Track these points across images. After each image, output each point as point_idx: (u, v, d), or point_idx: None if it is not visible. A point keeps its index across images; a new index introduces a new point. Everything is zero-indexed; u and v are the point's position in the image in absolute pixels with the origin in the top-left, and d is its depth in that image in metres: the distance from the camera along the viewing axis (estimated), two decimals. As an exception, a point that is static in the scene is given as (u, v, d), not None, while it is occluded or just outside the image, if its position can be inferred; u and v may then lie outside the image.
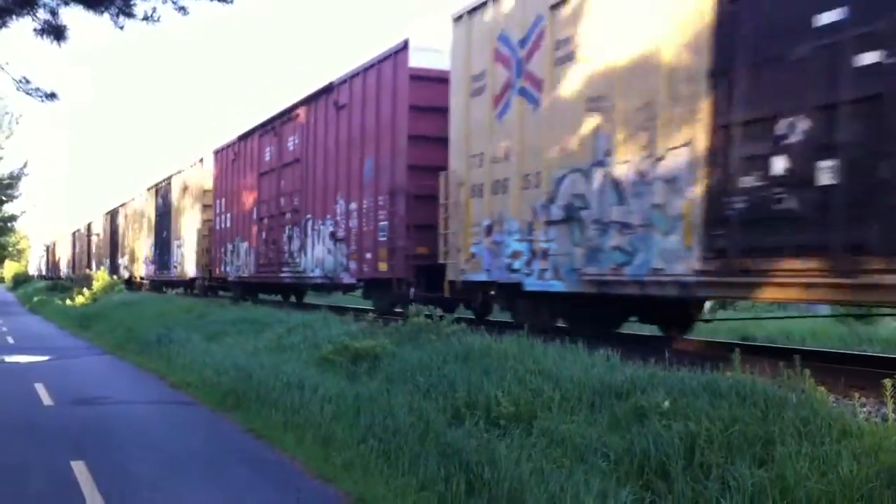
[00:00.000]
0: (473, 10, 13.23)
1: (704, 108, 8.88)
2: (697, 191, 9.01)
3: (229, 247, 26.61)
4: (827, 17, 7.64)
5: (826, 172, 7.64)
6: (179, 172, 33.28)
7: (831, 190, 7.59)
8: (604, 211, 10.45)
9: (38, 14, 12.40)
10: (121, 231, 46.71)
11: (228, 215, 26.66)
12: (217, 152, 27.95)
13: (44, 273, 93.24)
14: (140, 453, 8.69)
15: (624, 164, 10.08)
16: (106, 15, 12.40)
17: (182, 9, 12.43)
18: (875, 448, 5.37)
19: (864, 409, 6.29)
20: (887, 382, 5.91)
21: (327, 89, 18.88)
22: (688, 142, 9.11)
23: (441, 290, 13.98)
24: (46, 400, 12.21)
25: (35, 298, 48.91)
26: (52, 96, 13.98)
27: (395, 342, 11.33)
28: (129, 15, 12.43)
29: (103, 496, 7.05)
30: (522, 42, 12.02)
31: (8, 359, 18.12)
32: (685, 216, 9.17)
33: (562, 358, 8.82)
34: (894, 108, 7.06)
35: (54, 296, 46.66)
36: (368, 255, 16.71)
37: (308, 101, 20.11)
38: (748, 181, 8.37)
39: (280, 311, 18.32)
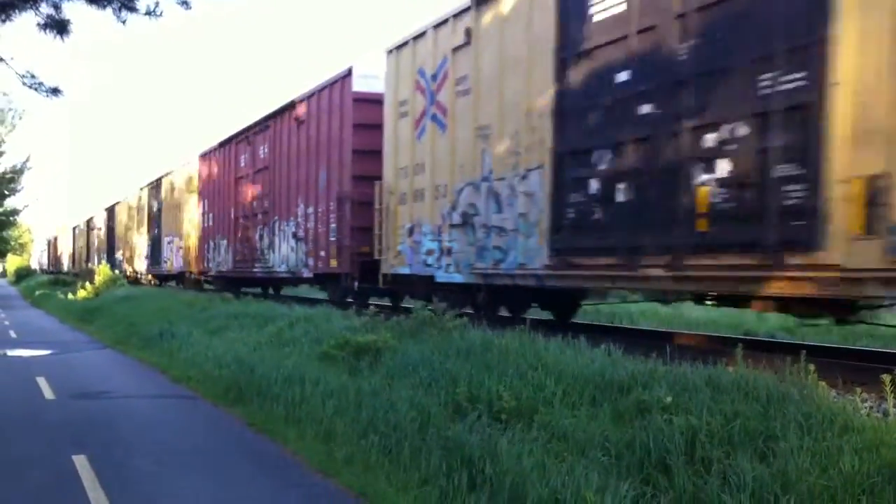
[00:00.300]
0: (400, 47, 15.54)
1: (549, 139, 11.29)
2: (546, 203, 11.38)
3: (211, 244, 28.50)
4: (619, 78, 10.09)
5: (621, 192, 10.08)
6: (169, 173, 35.07)
7: (623, 205, 10.05)
8: (488, 217, 12.80)
9: (41, 8, 12.39)
10: (118, 227, 48.19)
11: (211, 215, 28.55)
12: (202, 156, 29.82)
13: (45, 267, 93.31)
14: (141, 447, 8.70)
15: (501, 181, 12.45)
16: (109, 9, 12.39)
17: (184, 2, 12.41)
18: (876, 443, 5.36)
19: (866, 405, 6.29)
20: (886, 378, 5.92)
21: (290, 106, 21.13)
22: (540, 165, 11.49)
23: (378, 282, 16.29)
24: (48, 394, 12.23)
25: (37, 292, 48.92)
26: (55, 91, 13.96)
27: (396, 337, 11.33)
28: (132, 9, 12.41)
29: (105, 490, 7.06)
30: (434, 76, 14.40)
31: (10, 352, 18.16)
32: (539, 223, 11.53)
33: (563, 353, 8.82)
34: (659, 146, 9.51)
35: (56, 290, 46.68)
36: (322, 253, 18.99)
37: (275, 115, 22.37)
38: (575, 197, 10.84)
39: (282, 306, 18.32)
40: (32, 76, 13.63)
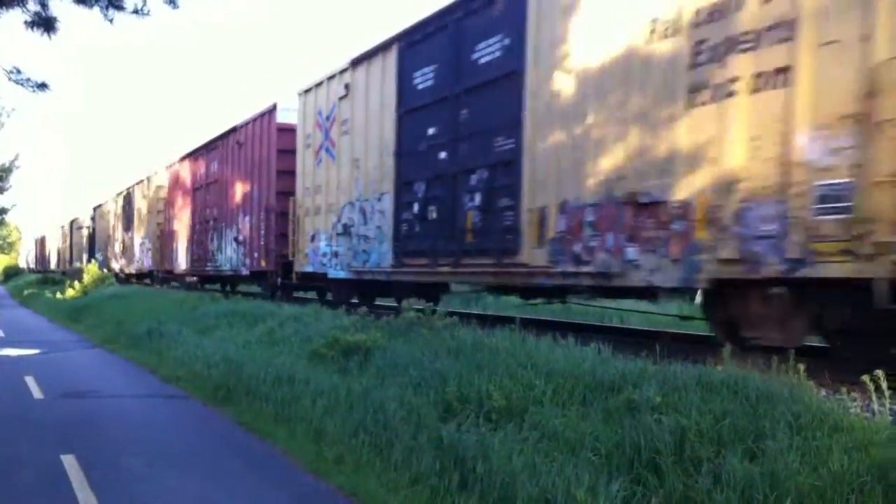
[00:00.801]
0: (307, 91, 19.22)
1: (393, 172, 15.14)
2: (391, 219, 15.14)
3: (174, 246, 32.30)
4: (429, 131, 13.98)
5: (430, 213, 13.94)
6: (140, 182, 38.64)
7: (432, 222, 13.87)
8: (359, 228, 16.53)
9: (28, 6, 12.34)
10: (101, 228, 50.35)
11: (174, 220, 32.32)
12: (167, 167, 33.47)
13: (33, 266, 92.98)
14: (130, 447, 8.67)
15: (367, 201, 16.28)
16: (96, 8, 12.34)
17: (171, 1, 12.38)
18: (866, 443, 5.39)
19: (855, 404, 6.32)
20: (866, 378, 5.95)
21: (233, 130, 24.74)
22: (388, 191, 15.32)
23: (298, 278, 20.15)
24: (37, 393, 12.18)
25: (26, 292, 48.72)
26: (42, 86, 13.90)
27: (386, 336, 11.32)
28: (119, 8, 12.37)
29: (93, 490, 7.04)
30: (327, 118, 18.13)
31: (-2, 352, 18.07)
32: (388, 234, 15.26)
33: (553, 352, 8.82)
34: (448, 181, 13.33)
35: (45, 289, 46.51)
36: (256, 255, 22.78)
37: (223, 136, 25.93)
38: (407, 215, 14.69)
39: (271, 305, 18.29)
40: (18, 71, 13.57)
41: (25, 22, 12.39)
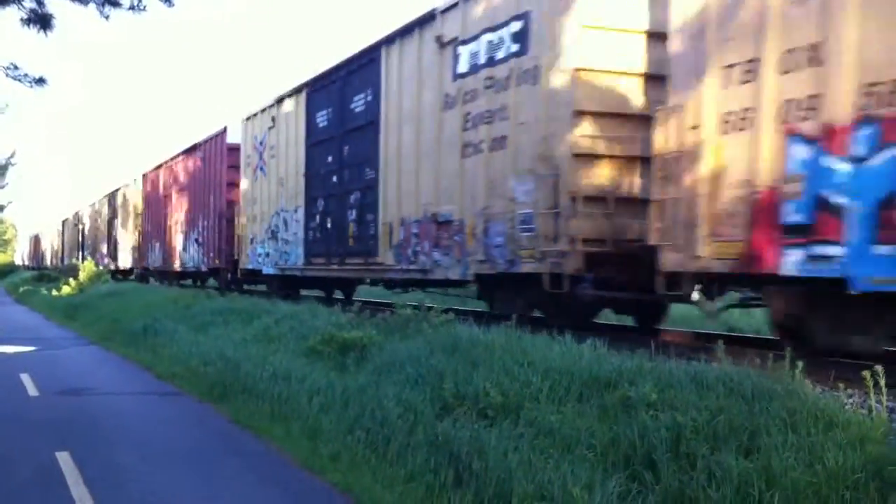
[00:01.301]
0: (248, 118, 23.45)
1: (304, 190, 19.37)
2: (303, 227, 19.34)
3: (150, 245, 36.23)
4: (327, 159, 18.06)
5: (327, 223, 18.00)
6: (120, 188, 42.75)
7: (329, 230, 18.03)
8: (283, 234, 20.70)
9: (24, 3, 12.32)
10: (90, 227, 53.01)
11: (150, 222, 36.19)
12: (144, 175, 37.33)
13: (28, 263, 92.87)
14: (126, 444, 8.67)
15: (287, 212, 20.42)
16: (92, 5, 12.33)
17: None
18: (861, 439, 5.39)
19: (851, 401, 6.32)
20: (867, 374, 5.95)
21: (195, 146, 28.84)
22: (301, 204, 19.45)
23: (242, 275, 24.61)
24: (32, 391, 12.16)
25: (21, 289, 48.60)
26: (40, 81, 13.91)
27: (382, 333, 11.32)
28: (115, 4, 12.36)
29: (88, 486, 7.03)
30: (261, 143, 22.36)
31: (-7, 349, 18.03)
32: (301, 238, 19.46)
33: (549, 349, 8.81)
34: (339, 200, 17.54)
35: (40, 286, 46.41)
36: (212, 254, 26.92)
37: (189, 150, 29.75)
38: (312, 224, 18.92)
39: (266, 302, 18.29)
40: (16, 67, 13.57)
41: (22, 19, 12.39)
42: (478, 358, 8.81)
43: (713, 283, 9.31)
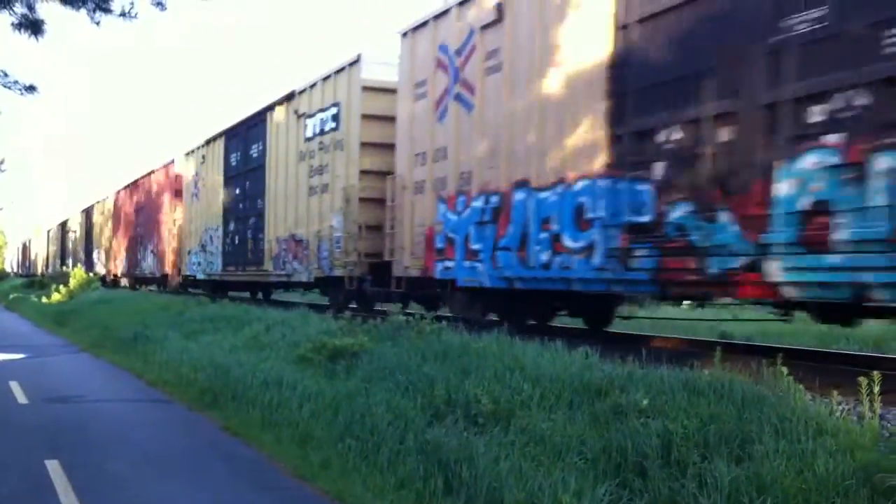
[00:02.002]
0: (188, 154, 29.17)
1: (221, 213, 24.91)
2: (221, 241, 24.84)
3: (119, 254, 41.14)
4: (237, 191, 24.29)
5: (236, 240, 23.96)
6: (99, 201, 47.39)
7: (238, 245, 23.97)
8: (209, 247, 26.25)
9: (15, 8, 12.29)
10: (68, 239, 57.96)
11: (119, 234, 41.33)
12: (117, 192, 42.16)
13: (17, 270, 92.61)
14: (116, 452, 8.62)
15: (212, 229, 25.92)
16: (83, 10, 12.31)
17: (159, 3, 12.36)
18: (851, 446, 5.40)
19: (841, 407, 6.33)
20: (863, 380, 5.95)
21: (151, 172, 34.66)
22: (220, 224, 25.27)
23: (184, 279, 30.05)
24: (21, 398, 12.09)
25: (11, 296, 48.43)
26: (31, 89, 13.89)
27: (373, 340, 11.30)
28: (106, 10, 12.35)
29: (77, 495, 6.99)
30: (196, 173, 28.25)
31: (-18, 357, 17.93)
32: (220, 251, 24.88)
33: (541, 356, 8.82)
34: (244, 222, 23.40)
35: (30, 293, 46.25)
36: (162, 263, 32.21)
37: (146, 175, 35.71)
38: (228, 240, 24.67)
39: (257, 309, 18.27)
40: (5, 74, 13.54)
41: (13, 24, 12.35)
42: (469, 365, 8.82)
43: (412, 283, 14.73)
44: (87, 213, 50.32)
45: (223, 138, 25.18)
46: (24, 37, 12.33)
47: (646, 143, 9.52)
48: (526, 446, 6.72)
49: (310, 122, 18.80)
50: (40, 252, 74.85)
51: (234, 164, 24.24)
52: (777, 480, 5.15)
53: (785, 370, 6.55)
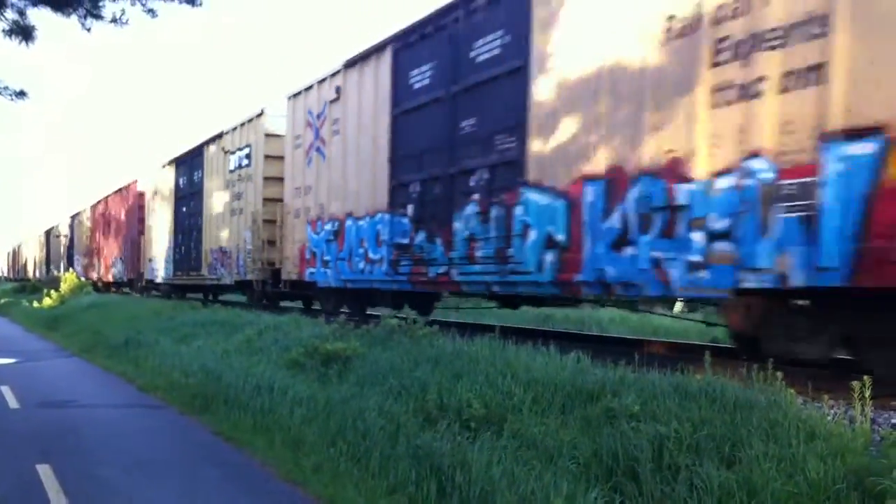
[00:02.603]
0: (149, 175, 33.61)
1: (171, 228, 29.80)
2: (171, 251, 29.70)
3: (94, 262, 45.13)
4: (184, 210, 28.77)
5: (183, 248, 28.52)
6: (80, 213, 51.26)
7: (185, 252, 28.14)
8: (161, 255, 30.82)
9: (5, 14, 12.28)
10: (58, 243, 59.49)
11: (96, 243, 45.00)
12: (92, 207, 46.35)
13: (7, 275, 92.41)
14: (107, 457, 8.59)
15: (162, 241, 31.21)
16: (74, 17, 12.31)
17: (151, 11, 12.37)
18: (842, 450, 5.42)
19: (833, 411, 6.35)
20: (856, 384, 5.98)
21: (120, 189, 38.71)
22: (171, 236, 30.26)
23: (145, 283, 34.10)
24: (12, 403, 12.05)
25: (2, 300, 48.28)
26: (21, 94, 13.86)
27: (365, 345, 11.30)
28: (97, 17, 12.35)
29: (69, 499, 6.97)
30: (155, 192, 32.53)
31: (-27, 361, 17.86)
32: (169, 259, 29.81)
33: (533, 360, 8.82)
34: (190, 235, 27.82)
35: (22, 297, 46.11)
36: (129, 268, 36.81)
37: (117, 191, 39.28)
38: (176, 248, 29.23)
39: (249, 313, 18.24)
40: (-3, 79, 13.50)
41: (3, 30, 12.35)
42: (461, 369, 8.82)
43: (293, 284, 19.31)
44: (75, 219, 52.71)
45: (173, 166, 29.90)
46: (14, 43, 12.35)
47: (405, 191, 14.21)
48: (518, 451, 6.73)
49: (232, 157, 23.52)
50: (31, 256, 74.69)
51: (182, 186, 28.99)
52: (767, 484, 5.16)
53: (780, 374, 6.59)
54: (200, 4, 12.52)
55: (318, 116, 17.62)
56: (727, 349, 11.64)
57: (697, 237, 8.63)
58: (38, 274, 66.43)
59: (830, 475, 5.15)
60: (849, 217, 7.17)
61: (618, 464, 6.04)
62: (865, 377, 6.00)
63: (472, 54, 12.49)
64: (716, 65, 8.53)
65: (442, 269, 13.03)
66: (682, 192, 8.83)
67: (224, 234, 23.85)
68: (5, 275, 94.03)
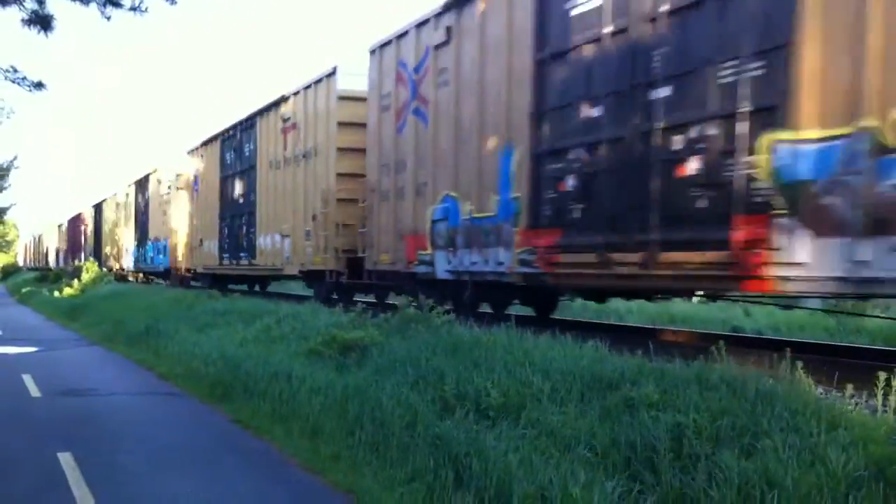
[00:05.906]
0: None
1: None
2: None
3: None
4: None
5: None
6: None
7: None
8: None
9: (25, 4, 12.34)
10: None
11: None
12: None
13: (29, 264, 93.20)
14: (128, 444, 8.66)
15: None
16: (93, 5, 12.35)
17: None
18: (864, 439, 5.36)
19: (853, 401, 6.29)
20: (881, 374, 5.91)
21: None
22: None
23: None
24: (34, 391, 12.16)
25: (23, 290, 48.70)
26: (39, 85, 13.96)
27: (383, 333, 11.29)
28: (116, 5, 12.38)
29: (90, 487, 7.02)
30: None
31: (-5, 350, 18.04)
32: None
33: (551, 349, 8.78)
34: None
35: (43, 287, 46.49)
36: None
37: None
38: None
39: (268, 303, 18.28)
40: (15, 70, 13.58)
41: (22, 20, 12.39)
42: (479, 358, 8.79)
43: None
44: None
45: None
46: (33, 33, 12.41)
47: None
48: (536, 439, 6.71)
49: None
50: (52, 246, 75.29)
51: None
52: (787, 474, 5.12)
53: (800, 364, 6.53)
54: None
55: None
56: (747, 338, 11.59)
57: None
58: (59, 263, 66.66)
59: (852, 464, 5.10)
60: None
61: (636, 453, 6.01)
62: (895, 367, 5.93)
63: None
64: None
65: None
66: None
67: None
68: (29, 264, 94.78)
